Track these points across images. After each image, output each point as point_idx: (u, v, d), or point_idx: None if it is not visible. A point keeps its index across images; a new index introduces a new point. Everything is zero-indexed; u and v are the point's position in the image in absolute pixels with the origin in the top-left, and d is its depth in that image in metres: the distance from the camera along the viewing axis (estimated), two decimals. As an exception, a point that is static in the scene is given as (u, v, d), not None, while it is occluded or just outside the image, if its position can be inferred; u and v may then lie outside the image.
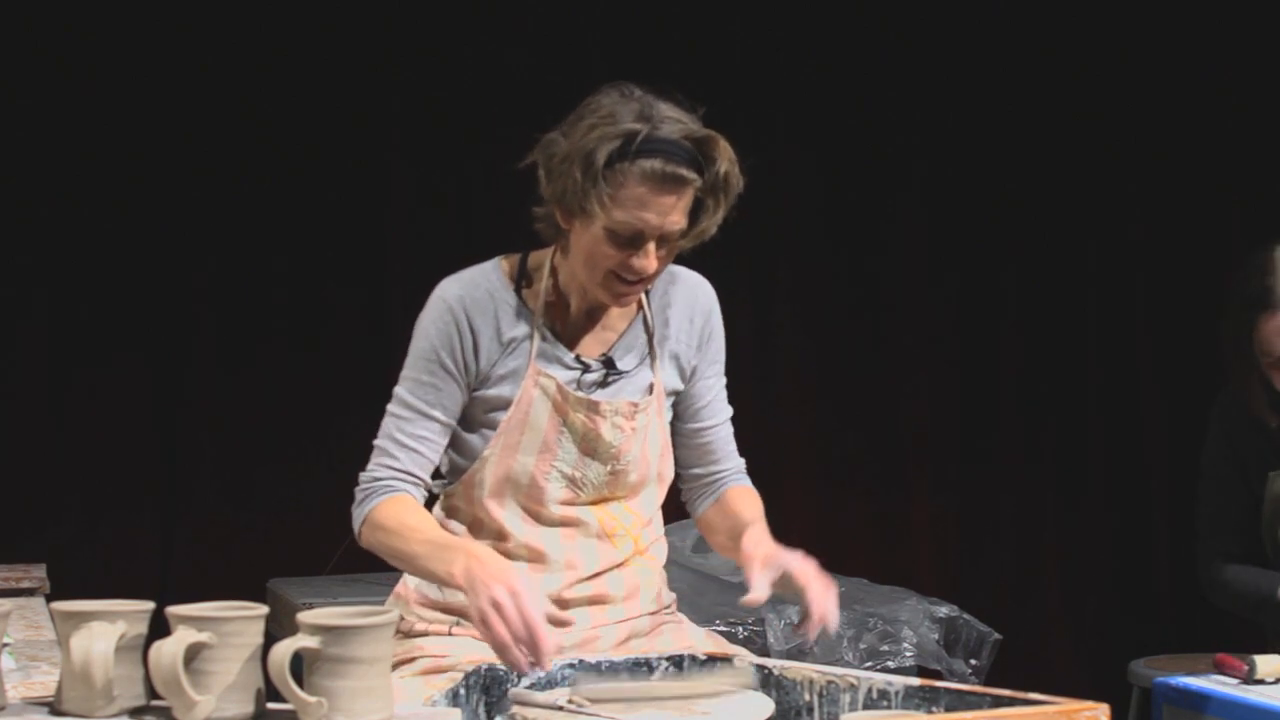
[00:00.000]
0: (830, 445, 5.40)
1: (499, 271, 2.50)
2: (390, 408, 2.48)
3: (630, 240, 2.33)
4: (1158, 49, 5.52)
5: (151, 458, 4.79)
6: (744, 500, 2.59)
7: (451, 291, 2.47)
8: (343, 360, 4.91)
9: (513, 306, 2.46)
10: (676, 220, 2.34)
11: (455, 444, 2.51)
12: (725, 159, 2.34)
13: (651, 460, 2.52)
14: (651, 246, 2.34)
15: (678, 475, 2.64)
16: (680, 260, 2.54)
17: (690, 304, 2.57)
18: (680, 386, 2.57)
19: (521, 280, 2.49)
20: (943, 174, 5.49)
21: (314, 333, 4.91)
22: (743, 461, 2.66)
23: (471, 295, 2.46)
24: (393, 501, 2.43)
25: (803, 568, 2.32)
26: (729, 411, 2.64)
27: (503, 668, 2.23)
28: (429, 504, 2.53)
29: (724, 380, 2.63)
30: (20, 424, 4.66)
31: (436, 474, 2.53)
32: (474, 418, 2.48)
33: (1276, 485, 3.13)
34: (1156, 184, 5.57)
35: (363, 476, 2.48)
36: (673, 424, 2.60)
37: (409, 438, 2.45)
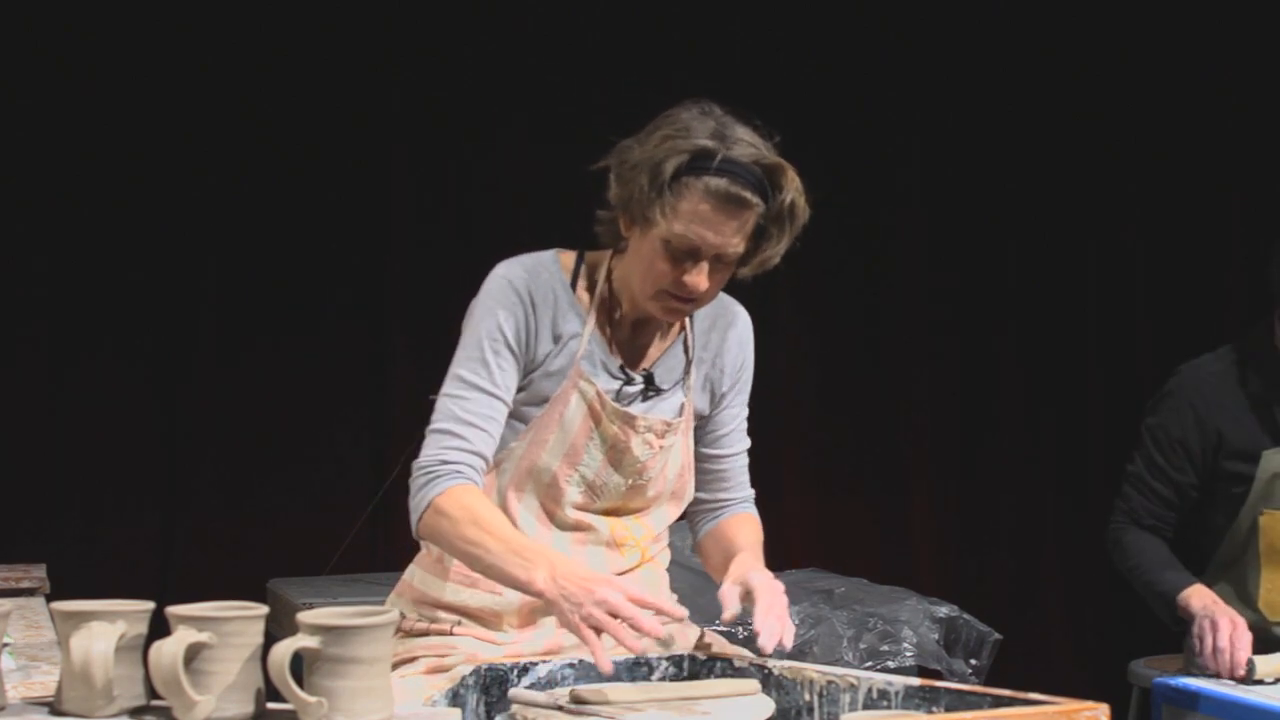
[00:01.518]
0: (830, 445, 5.40)
1: (558, 264, 2.48)
2: (448, 390, 2.41)
3: (686, 254, 2.33)
4: (1158, 49, 5.52)
5: (151, 458, 4.79)
6: (742, 527, 2.57)
7: (516, 274, 2.44)
8: (343, 361, 4.91)
9: (569, 303, 2.46)
10: (735, 243, 2.34)
11: None
12: (793, 189, 2.35)
13: (670, 479, 2.52)
14: (705, 265, 2.34)
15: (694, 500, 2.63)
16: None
17: (732, 331, 2.59)
18: (708, 411, 2.58)
19: (577, 278, 2.48)
20: (943, 174, 5.49)
21: (314, 333, 4.90)
22: (753, 492, 2.65)
23: (535, 282, 2.44)
24: (463, 489, 2.34)
25: (763, 587, 2.31)
26: (747, 443, 2.64)
27: (503, 667, 2.23)
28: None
29: (746, 412, 2.63)
30: (20, 424, 4.65)
31: None
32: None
33: (1275, 462, 3.14)
34: (1156, 184, 5.57)
35: (423, 461, 2.38)
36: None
37: (475, 417, 2.38)
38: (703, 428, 2.59)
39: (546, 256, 2.48)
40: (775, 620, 2.27)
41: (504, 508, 2.46)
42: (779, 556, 4.65)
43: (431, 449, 2.38)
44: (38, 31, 4.65)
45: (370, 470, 4.75)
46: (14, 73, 4.64)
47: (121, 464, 4.73)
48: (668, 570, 2.63)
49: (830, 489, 5.36)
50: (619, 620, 2.12)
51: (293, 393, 4.86)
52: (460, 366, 2.41)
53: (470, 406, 2.38)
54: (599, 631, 2.14)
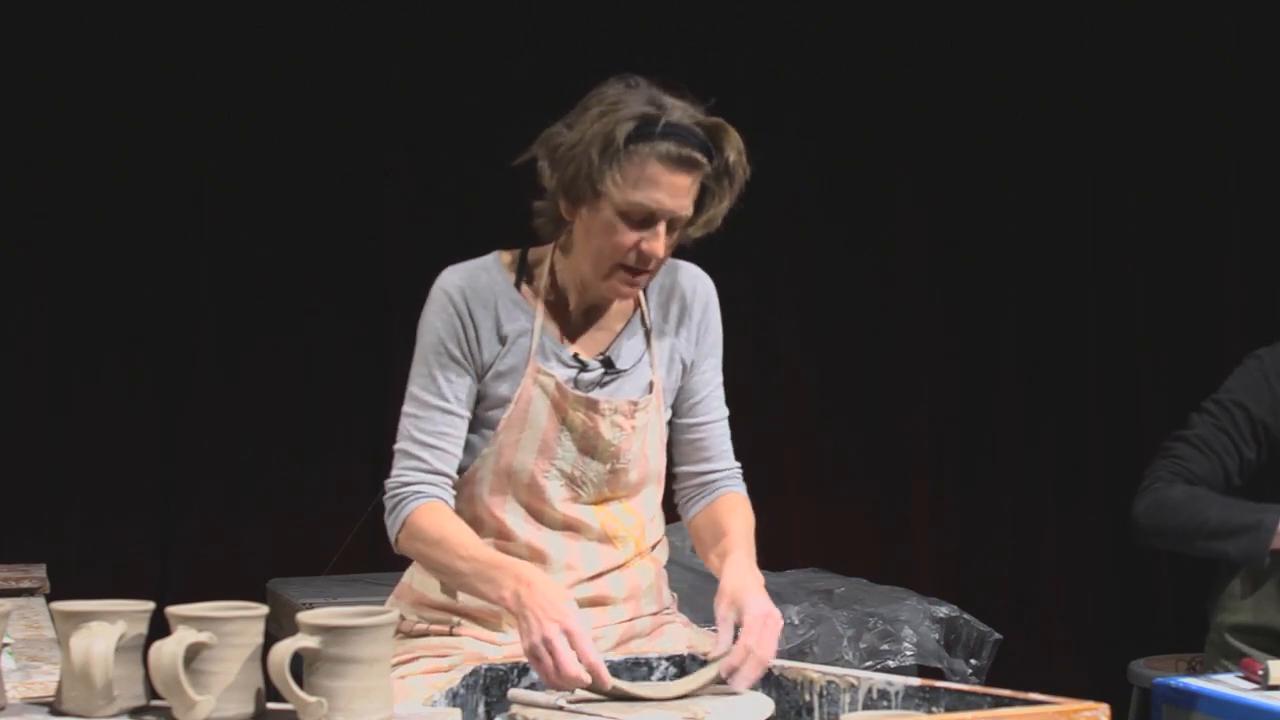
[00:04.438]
0: (830, 445, 5.40)
1: (499, 264, 2.49)
2: (405, 409, 2.45)
3: (642, 222, 2.34)
4: (1158, 46, 5.52)
5: (151, 458, 4.79)
6: (734, 514, 2.54)
7: (452, 282, 2.46)
8: (343, 361, 4.91)
9: (513, 301, 2.46)
10: (686, 205, 2.36)
11: None
12: (734, 148, 2.36)
13: (651, 458, 2.52)
14: (661, 229, 2.35)
15: (671, 474, 2.62)
16: (683, 256, 2.55)
17: (689, 296, 2.57)
18: (679, 381, 2.57)
19: (522, 275, 2.49)
20: (943, 173, 5.49)
21: (314, 333, 4.91)
22: (738, 465, 2.62)
23: (472, 286, 2.45)
24: (427, 510, 2.40)
25: (753, 622, 2.27)
26: (725, 411, 2.62)
27: (503, 667, 2.24)
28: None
29: (721, 378, 2.61)
30: (20, 424, 4.66)
31: None
32: (473, 415, 2.48)
33: None
34: (1156, 183, 5.57)
35: (390, 483, 2.45)
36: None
37: (430, 436, 2.43)
38: (677, 397, 2.57)
39: (488, 258, 2.50)
40: (750, 665, 2.25)
41: (491, 515, 2.46)
42: (779, 556, 4.66)
43: (395, 470, 2.44)
44: (37, 31, 4.66)
45: (370, 470, 4.75)
46: (13, 72, 4.64)
47: (121, 464, 4.73)
48: (667, 570, 2.62)
49: (830, 489, 5.36)
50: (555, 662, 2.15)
51: (292, 393, 4.86)
52: (413, 384, 2.46)
53: (425, 425, 2.43)
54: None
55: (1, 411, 4.65)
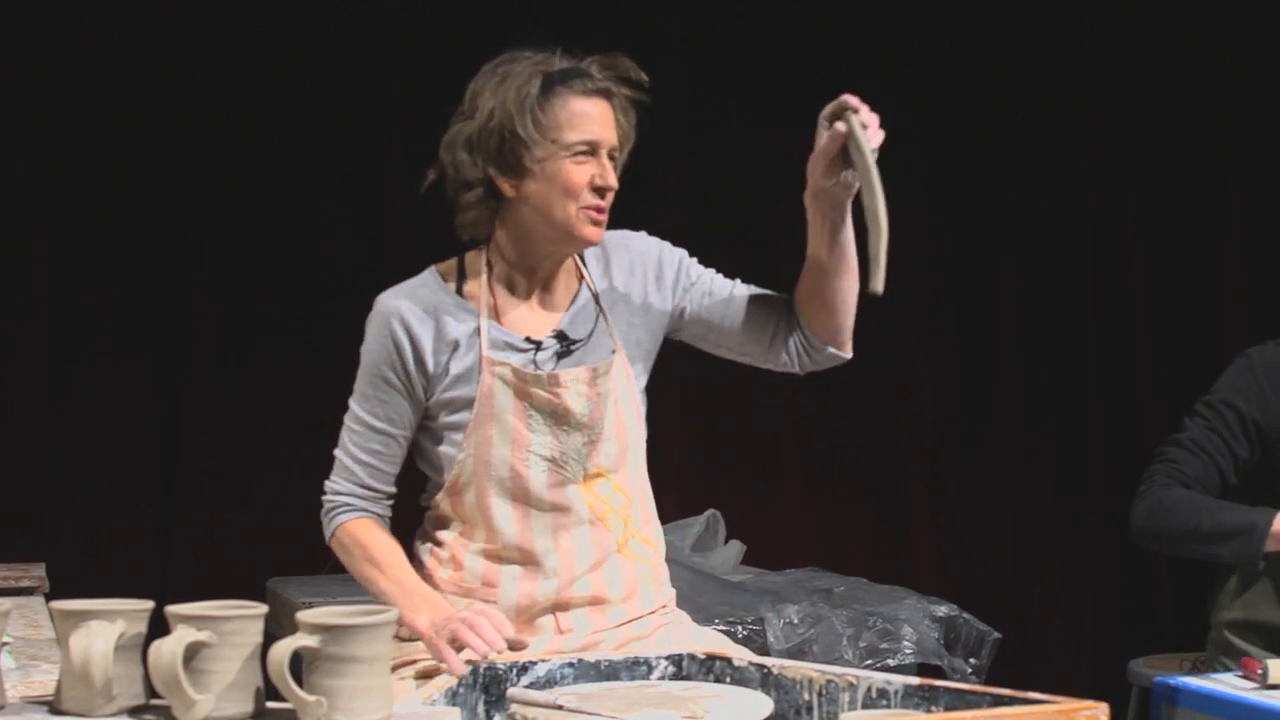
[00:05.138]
0: (830, 444, 5.39)
1: (435, 276, 2.54)
2: (346, 419, 2.55)
3: (588, 154, 2.42)
4: (1158, 46, 5.51)
5: (151, 458, 4.79)
6: None
7: (389, 303, 2.52)
8: (342, 360, 4.89)
9: (455, 306, 2.50)
10: (615, 132, 2.46)
11: (428, 458, 2.52)
12: (630, 68, 2.48)
13: (629, 424, 2.52)
14: (605, 158, 2.44)
15: (766, 371, 2.68)
16: (690, 251, 2.57)
17: (625, 256, 2.60)
18: (656, 338, 2.58)
19: (461, 280, 2.52)
20: (943, 173, 5.49)
21: (314, 332, 4.90)
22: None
23: (410, 302, 2.50)
24: (356, 525, 2.50)
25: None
26: (735, 281, 2.66)
27: (502, 666, 2.24)
28: (419, 515, 2.54)
29: (713, 270, 2.64)
30: (20, 424, 4.66)
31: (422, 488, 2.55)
32: (438, 427, 2.49)
33: None
34: (1156, 179, 5.57)
35: (327, 486, 2.55)
36: (712, 335, 2.60)
37: (363, 452, 2.52)
38: (696, 319, 2.59)
39: (424, 274, 2.56)
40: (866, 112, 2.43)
41: (482, 518, 2.47)
42: (779, 556, 4.66)
43: (332, 476, 2.56)
44: (36, 30, 4.66)
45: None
46: (13, 71, 4.64)
47: (121, 463, 4.73)
48: (666, 564, 2.62)
49: (830, 488, 5.36)
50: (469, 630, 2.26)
51: (292, 391, 4.85)
52: (353, 399, 2.57)
53: (360, 442, 2.54)
54: (454, 644, 2.26)
55: (1, 411, 4.65)
